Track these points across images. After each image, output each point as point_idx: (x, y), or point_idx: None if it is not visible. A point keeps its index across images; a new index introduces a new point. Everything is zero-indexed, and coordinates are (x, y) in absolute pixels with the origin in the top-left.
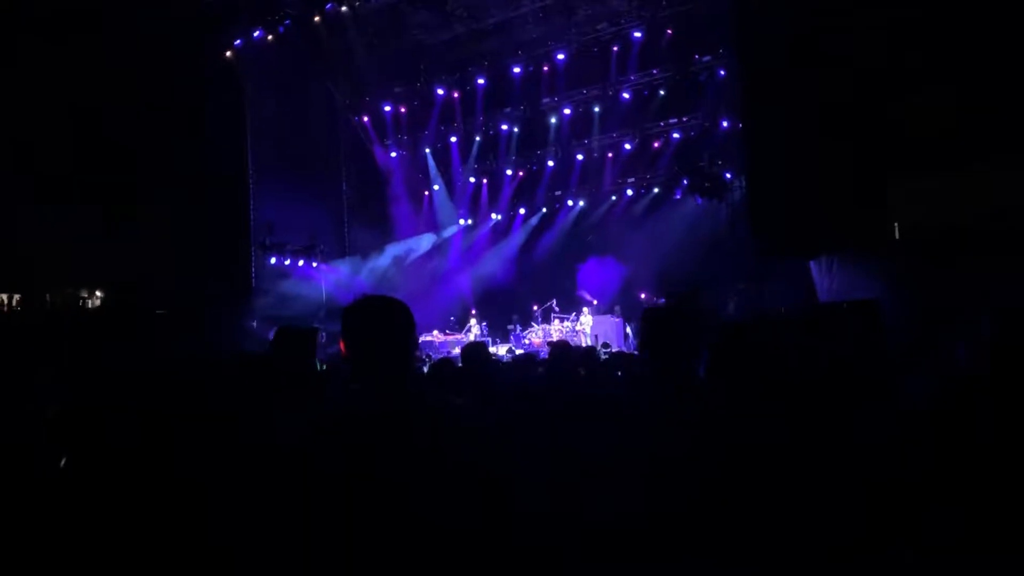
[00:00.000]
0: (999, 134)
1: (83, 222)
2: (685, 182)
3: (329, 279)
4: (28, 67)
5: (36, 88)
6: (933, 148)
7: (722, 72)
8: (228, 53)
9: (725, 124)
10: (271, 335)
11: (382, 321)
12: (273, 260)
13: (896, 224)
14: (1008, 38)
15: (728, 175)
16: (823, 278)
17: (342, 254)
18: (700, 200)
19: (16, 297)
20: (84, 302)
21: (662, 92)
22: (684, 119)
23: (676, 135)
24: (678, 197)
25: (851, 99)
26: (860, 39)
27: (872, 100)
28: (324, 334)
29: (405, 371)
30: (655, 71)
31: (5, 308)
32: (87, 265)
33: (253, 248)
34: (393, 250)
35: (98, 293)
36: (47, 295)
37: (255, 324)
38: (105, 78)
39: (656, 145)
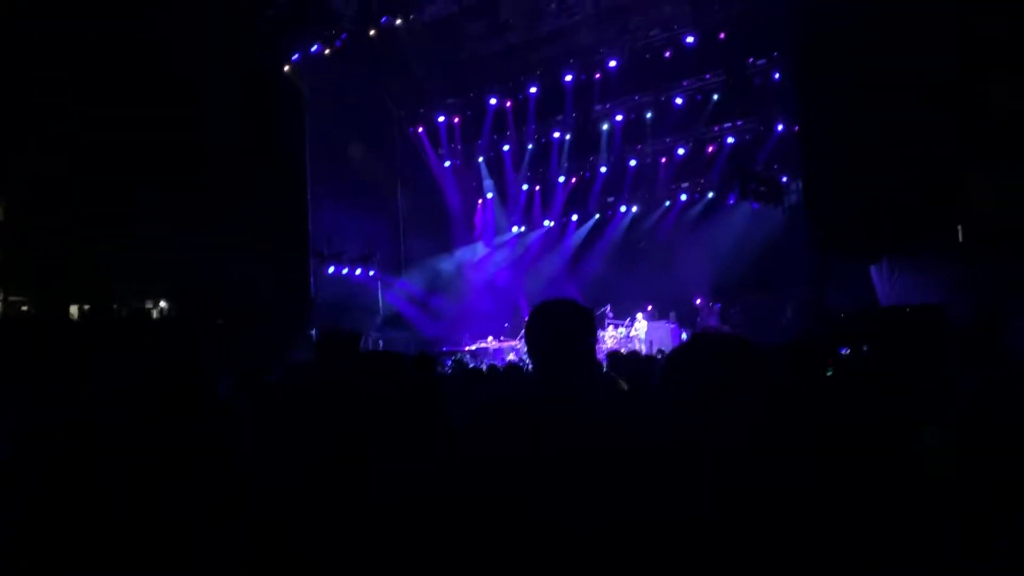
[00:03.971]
0: None
1: (149, 232)
2: (738, 187)
3: (388, 289)
4: (98, 80)
5: (106, 100)
6: (1005, 144)
7: (776, 75)
8: (287, 68)
9: (780, 127)
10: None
11: (561, 326)
12: (331, 269)
13: (960, 227)
14: None
15: (784, 178)
16: (884, 283)
17: (398, 263)
18: (756, 205)
19: (86, 307)
20: (149, 312)
21: (715, 97)
22: (738, 123)
23: (730, 139)
24: (732, 202)
25: (912, 98)
26: (925, 32)
27: (934, 98)
28: (381, 342)
29: (581, 375)
30: (708, 76)
31: (76, 318)
32: (153, 274)
33: (312, 257)
34: (450, 260)
35: (162, 303)
36: (114, 305)
37: (314, 333)
38: (171, 91)
39: (710, 150)
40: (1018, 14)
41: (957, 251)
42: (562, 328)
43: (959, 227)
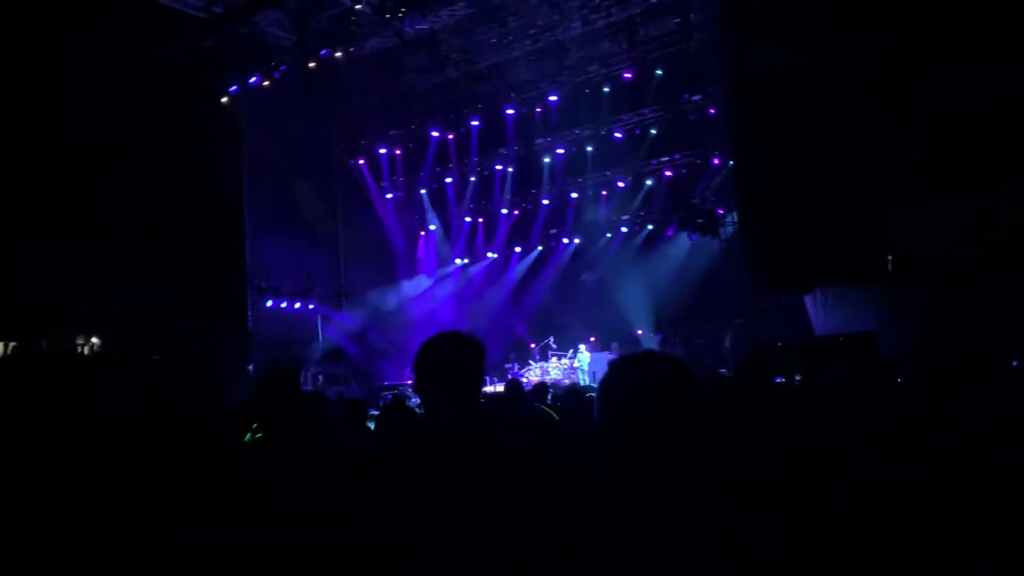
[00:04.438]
0: (987, 164)
1: (80, 266)
2: (677, 219)
3: (328, 322)
4: (29, 110)
5: (38, 131)
6: (926, 178)
7: (711, 110)
8: (224, 99)
9: (716, 161)
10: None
11: (449, 357)
12: (269, 303)
13: (889, 257)
14: (1005, 66)
15: (720, 211)
16: (818, 312)
17: (338, 296)
18: (693, 236)
19: (12, 344)
20: (80, 348)
21: (653, 131)
22: (676, 157)
23: (668, 173)
24: (671, 234)
25: (840, 131)
26: (850, 71)
27: (865, 131)
28: (322, 376)
29: (469, 407)
30: (646, 111)
31: (1, 355)
32: (84, 310)
33: (250, 291)
34: (392, 292)
35: (94, 339)
36: (43, 342)
37: (252, 368)
38: (105, 122)
39: (649, 183)
40: (926, 68)
41: (887, 281)
42: (445, 363)
43: (889, 258)
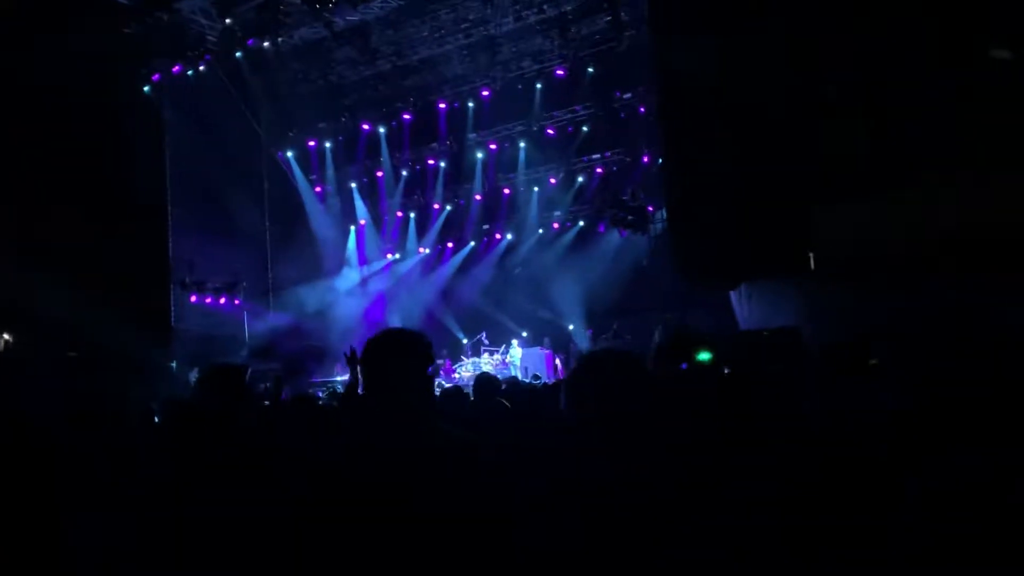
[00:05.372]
0: (910, 161)
1: None
2: (608, 215)
3: (255, 318)
4: None
5: None
6: (848, 176)
7: (642, 108)
8: (146, 88)
9: (646, 159)
10: (191, 376)
11: (400, 354)
12: (193, 299)
13: (812, 254)
14: (920, 65)
15: (650, 208)
16: (742, 307)
17: (266, 292)
18: (624, 233)
19: None
20: None
21: (585, 128)
22: (607, 154)
23: (599, 170)
24: (602, 230)
25: (766, 131)
26: (774, 72)
27: (787, 131)
28: (248, 371)
29: (423, 403)
30: (578, 108)
31: None
32: None
33: (173, 286)
34: (321, 288)
35: (5, 336)
36: None
37: (175, 365)
38: (19, 109)
39: (580, 179)
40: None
41: (810, 277)
42: (391, 357)
43: (811, 255)
